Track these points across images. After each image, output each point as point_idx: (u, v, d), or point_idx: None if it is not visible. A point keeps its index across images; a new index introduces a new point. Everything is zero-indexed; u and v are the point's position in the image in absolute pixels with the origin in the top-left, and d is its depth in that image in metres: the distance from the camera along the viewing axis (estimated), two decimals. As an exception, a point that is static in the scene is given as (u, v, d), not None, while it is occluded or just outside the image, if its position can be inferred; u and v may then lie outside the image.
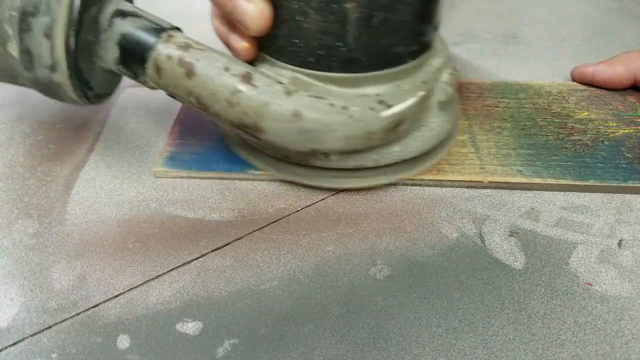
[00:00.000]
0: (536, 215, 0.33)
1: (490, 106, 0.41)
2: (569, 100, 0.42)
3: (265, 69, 0.32)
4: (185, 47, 0.30)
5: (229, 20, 0.31)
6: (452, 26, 0.55)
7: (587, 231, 0.32)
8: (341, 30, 0.29)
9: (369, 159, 0.32)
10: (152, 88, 0.31)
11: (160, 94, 0.33)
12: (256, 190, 0.35)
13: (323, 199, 0.34)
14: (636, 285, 0.29)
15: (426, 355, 0.26)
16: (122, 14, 0.30)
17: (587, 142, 0.37)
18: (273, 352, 0.26)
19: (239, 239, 0.32)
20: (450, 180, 0.34)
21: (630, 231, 0.32)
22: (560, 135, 0.38)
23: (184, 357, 0.26)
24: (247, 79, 0.29)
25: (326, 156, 0.32)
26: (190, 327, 0.27)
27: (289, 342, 0.26)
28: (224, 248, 0.31)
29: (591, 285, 0.29)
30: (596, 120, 0.39)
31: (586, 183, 0.34)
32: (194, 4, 0.58)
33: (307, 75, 0.31)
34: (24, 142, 0.39)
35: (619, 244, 0.31)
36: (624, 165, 0.35)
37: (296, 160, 0.33)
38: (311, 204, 0.34)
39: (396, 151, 0.33)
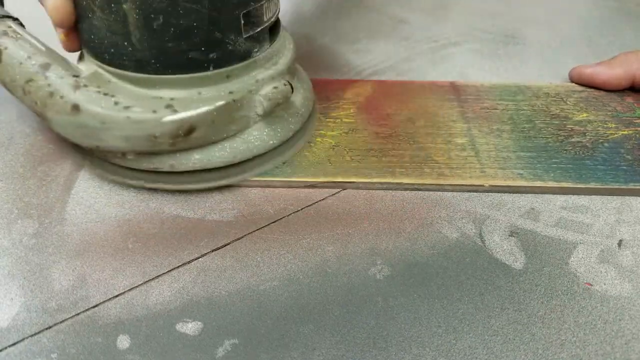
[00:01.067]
0: (536, 215, 0.33)
1: (488, 108, 0.41)
2: (568, 102, 0.42)
3: (83, 61, 0.33)
4: (4, 34, 0.31)
5: None
6: (452, 26, 0.55)
7: (587, 231, 0.32)
8: (124, 30, 0.30)
9: (165, 163, 0.32)
10: None
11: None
12: (256, 191, 0.35)
13: (323, 199, 0.34)
14: (636, 285, 0.29)
15: (426, 355, 0.26)
16: None
17: (587, 144, 0.37)
18: (273, 352, 0.26)
19: (239, 239, 0.32)
20: (451, 185, 0.34)
21: (630, 231, 0.32)
22: (559, 137, 0.38)
23: (184, 357, 0.26)
24: (44, 68, 0.31)
25: (123, 155, 0.32)
26: (190, 327, 0.27)
27: (289, 342, 0.26)
28: (224, 248, 0.31)
29: (591, 285, 0.29)
30: (595, 121, 0.39)
31: (587, 186, 0.34)
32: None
33: (107, 71, 0.32)
34: (24, 142, 0.39)
35: (619, 244, 0.31)
36: (625, 167, 0.35)
37: (103, 159, 0.34)
38: (311, 204, 0.34)
39: (196, 158, 0.32)
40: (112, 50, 0.31)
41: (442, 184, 0.34)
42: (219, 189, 0.35)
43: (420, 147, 0.37)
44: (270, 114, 0.34)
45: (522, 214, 0.33)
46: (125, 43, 0.30)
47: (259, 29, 0.32)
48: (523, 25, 0.56)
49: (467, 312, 0.28)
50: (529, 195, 0.34)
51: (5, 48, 0.31)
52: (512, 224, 0.32)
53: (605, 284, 0.29)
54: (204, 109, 0.31)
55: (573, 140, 0.38)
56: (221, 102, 0.31)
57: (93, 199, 0.34)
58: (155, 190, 0.35)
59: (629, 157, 0.36)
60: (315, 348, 0.26)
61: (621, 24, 0.56)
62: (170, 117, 0.30)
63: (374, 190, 0.35)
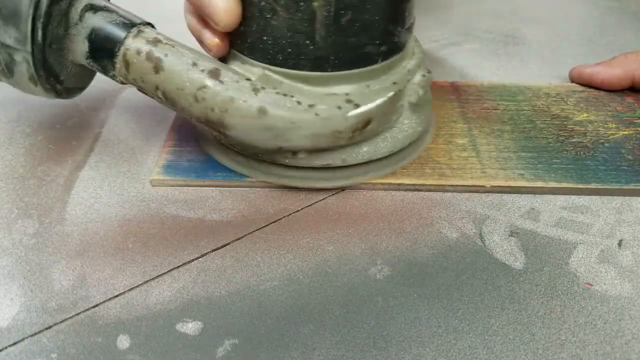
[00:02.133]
0: (536, 215, 0.33)
1: (489, 109, 0.41)
2: (568, 102, 0.42)
3: (236, 65, 0.32)
4: (155, 42, 0.30)
5: (201, 16, 0.32)
6: (452, 26, 0.55)
7: (587, 231, 0.32)
8: (309, 28, 0.29)
9: (337, 158, 0.33)
10: (122, 83, 0.32)
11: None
12: (256, 191, 0.35)
13: (323, 199, 0.34)
14: (636, 285, 0.29)
15: (426, 355, 0.26)
16: (93, 8, 0.30)
17: (588, 144, 0.37)
18: (273, 352, 0.26)
19: (239, 239, 0.32)
20: (452, 185, 0.34)
21: (630, 231, 0.32)
22: (560, 138, 0.38)
23: (184, 357, 0.26)
24: (214, 74, 0.30)
25: (294, 154, 0.32)
26: (190, 327, 0.27)
27: (289, 342, 0.26)
28: (224, 248, 0.31)
29: (591, 285, 0.29)
30: (595, 121, 0.39)
31: (588, 186, 0.34)
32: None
33: (276, 72, 0.31)
34: (24, 142, 0.39)
35: (619, 244, 0.31)
36: (625, 168, 0.35)
37: (265, 159, 0.33)
38: (311, 204, 0.34)
39: (365, 151, 0.33)
40: (289, 50, 0.30)
41: (443, 185, 0.34)
42: (219, 189, 0.35)
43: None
44: (417, 102, 0.34)
45: (522, 214, 0.33)
46: (307, 41, 0.30)
47: (412, 20, 0.33)
48: (523, 25, 0.56)
49: (467, 312, 0.28)
50: (529, 195, 0.34)
51: (166, 55, 0.30)
52: (512, 224, 0.32)
53: (605, 284, 0.29)
54: (379, 101, 0.31)
55: (574, 140, 0.38)
56: (391, 93, 0.32)
57: (93, 199, 0.34)
58: (155, 190, 0.35)
59: (629, 157, 0.36)
60: (315, 348, 0.26)
61: (621, 24, 0.56)
62: (354, 112, 0.30)
63: (373, 191, 0.35)
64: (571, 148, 0.37)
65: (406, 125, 0.34)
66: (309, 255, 0.31)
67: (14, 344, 0.26)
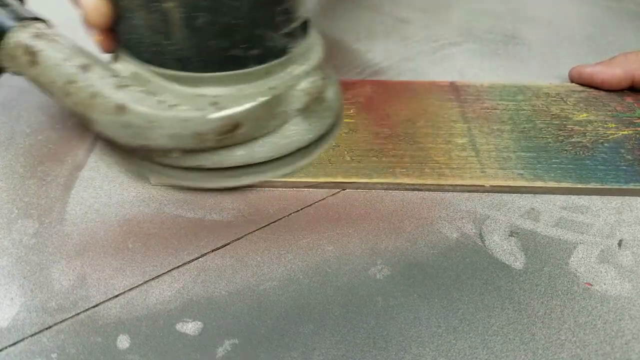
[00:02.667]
0: (536, 215, 0.33)
1: (488, 109, 0.41)
2: (568, 102, 0.42)
3: (120, 62, 0.33)
4: (37, 36, 0.31)
5: None
6: (452, 26, 0.55)
7: (587, 231, 0.32)
8: (167, 29, 0.29)
9: (209, 160, 0.32)
10: (17, 75, 0.32)
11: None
12: (256, 191, 0.35)
13: (323, 199, 0.34)
14: (636, 285, 0.29)
15: (426, 355, 0.26)
16: None
17: (587, 144, 0.37)
18: (273, 352, 0.26)
19: (239, 239, 0.32)
20: (451, 185, 0.34)
21: (630, 231, 0.32)
22: (559, 138, 0.38)
23: (184, 357, 0.26)
24: (84, 69, 0.30)
25: (166, 153, 0.32)
26: (190, 327, 0.27)
27: (289, 342, 0.26)
28: (224, 248, 0.31)
29: (591, 285, 0.29)
30: (595, 121, 0.39)
31: (587, 186, 0.34)
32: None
33: (149, 70, 0.31)
34: (24, 142, 0.39)
35: (619, 244, 0.31)
36: (625, 167, 0.35)
37: (141, 157, 0.34)
38: (311, 204, 0.34)
39: (240, 155, 0.33)
40: (154, 49, 0.31)
41: (442, 184, 0.34)
42: (219, 189, 0.35)
43: (420, 147, 0.37)
44: (307, 109, 0.34)
45: (522, 214, 0.33)
46: (167, 42, 0.30)
47: (293, 25, 0.32)
48: (523, 25, 0.56)
49: (467, 312, 0.28)
50: (529, 195, 0.34)
51: (41, 50, 0.31)
52: (512, 224, 0.32)
53: (605, 284, 0.29)
54: (247, 105, 0.31)
55: (573, 140, 0.38)
56: (264, 98, 0.31)
57: (93, 199, 0.34)
58: (155, 190, 0.35)
59: (629, 157, 0.36)
60: (315, 348, 0.26)
61: (621, 24, 0.56)
62: (216, 115, 0.30)
63: (374, 190, 0.35)
64: (570, 148, 0.37)
65: (292, 131, 0.34)
66: (309, 255, 0.31)
67: (14, 344, 0.26)
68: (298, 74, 0.33)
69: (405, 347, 0.26)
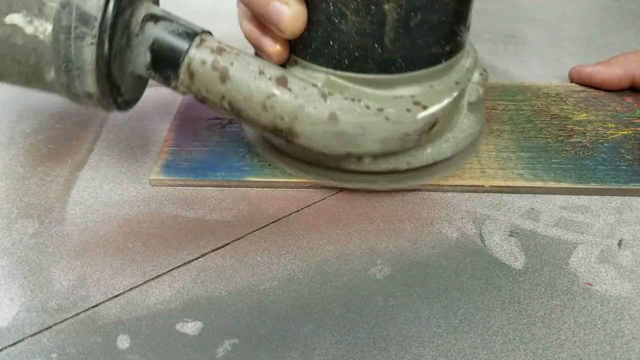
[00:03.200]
0: (536, 215, 0.33)
1: (488, 109, 0.41)
2: (567, 102, 0.42)
3: (297, 71, 0.31)
4: (219, 51, 0.29)
5: (261, 23, 0.31)
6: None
7: (587, 231, 0.32)
8: (378, 31, 0.29)
9: (402, 162, 0.32)
10: (183, 93, 0.31)
11: (160, 94, 0.33)
12: (256, 191, 0.35)
13: (323, 199, 0.34)
14: (636, 285, 0.29)
15: (426, 355, 0.26)
16: (153, 18, 0.29)
17: (587, 144, 0.37)
18: (273, 352, 0.26)
19: (239, 239, 0.32)
20: (451, 185, 0.34)
21: (630, 231, 0.32)
22: (559, 138, 0.38)
23: (184, 357, 0.26)
24: (282, 82, 0.29)
25: (359, 160, 0.32)
26: (190, 327, 0.27)
27: (289, 342, 0.26)
28: (224, 248, 0.31)
29: (591, 285, 0.29)
30: (595, 121, 0.39)
31: (587, 186, 0.34)
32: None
33: (342, 77, 0.30)
34: (24, 142, 0.39)
35: (619, 244, 0.31)
36: (625, 167, 0.35)
37: (328, 164, 0.33)
38: (311, 204, 0.34)
39: (429, 153, 0.33)
40: (357, 54, 0.29)
41: (442, 184, 0.34)
42: (219, 189, 0.35)
43: (420, 147, 0.37)
44: (475, 101, 0.34)
45: (522, 214, 0.33)
46: (376, 45, 0.29)
47: (470, 18, 0.33)
48: (523, 25, 0.56)
49: (467, 312, 0.28)
50: (529, 195, 0.34)
51: (232, 64, 0.29)
52: (512, 224, 0.32)
53: (605, 284, 0.29)
54: (445, 101, 0.31)
55: (573, 140, 0.38)
56: (455, 93, 0.31)
57: (93, 199, 0.34)
58: (155, 190, 0.35)
59: (629, 157, 0.36)
60: (315, 348, 0.26)
61: (621, 24, 0.56)
62: (423, 114, 0.30)
63: (373, 191, 0.35)
64: (570, 148, 0.37)
65: (466, 124, 0.34)
66: (309, 255, 0.31)
67: (14, 344, 0.26)
68: (469, 67, 0.33)
69: (405, 347, 0.26)
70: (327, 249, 0.31)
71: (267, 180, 0.35)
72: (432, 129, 0.31)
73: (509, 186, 0.34)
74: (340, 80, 0.30)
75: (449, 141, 0.33)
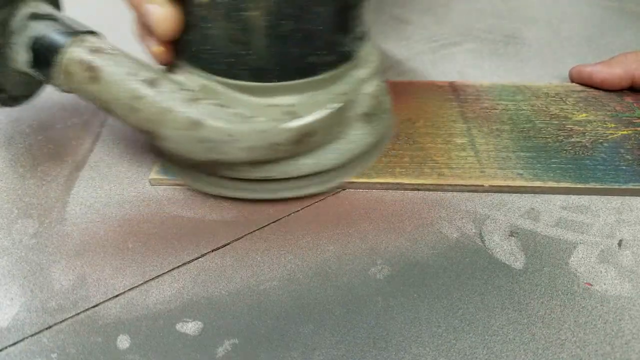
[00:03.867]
0: (536, 215, 0.33)
1: (488, 108, 0.41)
2: (567, 102, 0.42)
3: (181, 74, 0.31)
4: (96, 51, 0.29)
5: (143, 24, 0.31)
6: (452, 26, 0.56)
7: (587, 231, 0.32)
8: (248, 38, 0.29)
9: (278, 171, 0.32)
10: (67, 92, 0.31)
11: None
12: (256, 191, 0.35)
13: (323, 199, 0.34)
14: (636, 285, 0.29)
15: (426, 355, 0.26)
16: (36, 17, 0.30)
17: (586, 144, 0.37)
18: (273, 352, 0.26)
19: (239, 239, 0.32)
20: (450, 185, 0.34)
21: (630, 231, 0.32)
22: (559, 137, 0.38)
23: (184, 357, 0.26)
24: (152, 84, 0.29)
25: (232, 167, 0.31)
26: (190, 327, 0.27)
27: (289, 342, 0.26)
28: (224, 248, 0.31)
29: (591, 285, 0.29)
30: (594, 121, 0.39)
31: (587, 186, 0.34)
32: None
33: (219, 82, 0.30)
34: (24, 142, 0.39)
35: (619, 244, 0.31)
36: (624, 167, 0.35)
37: (205, 171, 0.33)
38: (311, 204, 0.34)
39: (307, 163, 0.32)
40: (229, 60, 0.30)
41: (441, 184, 0.35)
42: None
43: (419, 147, 0.37)
44: (369, 112, 0.34)
45: (522, 214, 0.33)
46: (247, 52, 0.29)
47: (362, 28, 0.32)
48: (523, 25, 0.56)
49: (467, 312, 0.28)
50: (529, 195, 0.34)
51: (102, 65, 0.29)
52: (512, 224, 0.32)
53: (605, 284, 0.29)
54: (323, 112, 0.30)
55: (572, 140, 0.38)
56: (337, 105, 0.31)
57: (93, 199, 0.34)
58: (155, 190, 0.35)
59: (628, 157, 0.36)
60: (315, 348, 0.26)
61: (621, 24, 0.56)
62: (292, 124, 0.30)
63: (374, 190, 0.35)
64: (570, 148, 0.37)
65: (354, 136, 0.33)
66: (309, 255, 0.31)
67: (14, 344, 0.26)
68: (363, 78, 0.33)
69: (405, 347, 0.26)
70: (327, 249, 0.31)
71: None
72: (308, 139, 0.31)
73: (509, 186, 0.34)
74: (217, 86, 0.30)
75: (332, 152, 0.33)
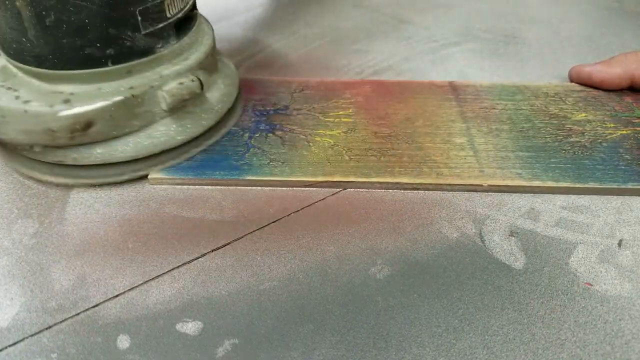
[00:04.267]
0: (536, 215, 0.33)
1: (487, 108, 0.41)
2: (566, 102, 0.42)
3: None
4: None
5: None
6: (452, 26, 0.56)
7: (587, 231, 0.32)
8: (21, 26, 0.30)
9: (68, 157, 0.33)
10: None
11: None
12: (256, 191, 0.35)
13: (323, 199, 0.34)
14: (636, 285, 0.29)
15: (426, 355, 0.26)
16: None
17: (586, 143, 0.37)
18: (273, 352, 0.26)
19: (239, 239, 0.32)
20: (449, 184, 0.34)
21: (630, 231, 0.32)
22: (558, 137, 0.38)
23: (184, 357, 0.26)
24: None
25: (30, 148, 0.32)
26: (190, 327, 0.27)
27: (289, 342, 0.26)
28: (224, 248, 0.31)
29: (591, 285, 0.29)
30: (594, 121, 0.40)
31: (586, 185, 0.34)
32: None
33: (15, 66, 0.32)
34: (24, 142, 0.39)
35: (619, 244, 0.31)
36: (623, 167, 0.35)
37: (9, 149, 0.34)
38: (311, 204, 0.34)
39: (98, 152, 0.33)
40: (14, 45, 0.31)
41: (440, 184, 0.35)
42: (219, 188, 0.35)
43: (419, 147, 0.37)
44: (177, 110, 0.34)
45: (522, 214, 0.33)
46: (24, 39, 0.30)
47: (160, 25, 0.32)
48: (523, 25, 0.56)
49: (467, 312, 0.28)
50: (529, 195, 0.34)
51: None
52: (512, 224, 0.32)
53: (605, 284, 0.29)
54: (100, 104, 0.31)
55: (572, 140, 0.38)
56: (119, 98, 0.32)
57: (93, 199, 0.34)
58: (155, 190, 0.35)
59: (627, 156, 0.36)
60: (315, 348, 0.26)
61: (621, 24, 0.56)
62: (66, 112, 0.31)
63: (373, 190, 0.35)
64: (569, 147, 0.37)
65: (159, 131, 0.34)
66: (309, 255, 0.31)
67: (14, 344, 0.26)
68: (168, 74, 0.33)
69: (405, 347, 0.26)
70: (327, 249, 0.31)
71: (266, 179, 0.35)
72: (88, 129, 0.31)
73: (508, 185, 0.34)
74: (13, 68, 0.32)
75: (128, 145, 0.33)
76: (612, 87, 0.42)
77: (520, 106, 0.41)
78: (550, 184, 0.34)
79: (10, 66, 0.32)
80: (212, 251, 0.31)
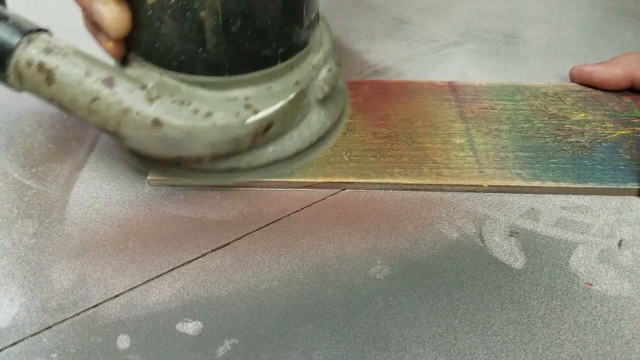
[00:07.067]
0: (536, 215, 0.33)
1: (487, 108, 0.41)
2: (566, 102, 0.42)
3: (136, 67, 0.31)
4: (46, 51, 0.29)
5: (92, 22, 0.31)
6: (452, 26, 0.55)
7: (587, 231, 0.32)
8: (199, 37, 0.29)
9: (242, 161, 0.32)
10: (21, 91, 0.30)
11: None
12: (256, 191, 0.35)
13: (323, 199, 0.34)
14: (636, 285, 0.29)
15: (426, 355, 0.26)
16: None
17: (585, 143, 0.37)
18: (273, 352, 0.26)
19: (239, 239, 0.32)
20: (449, 185, 0.34)
21: (630, 231, 0.32)
22: (558, 137, 0.38)
23: (184, 357, 0.26)
24: (108, 83, 0.29)
25: (198, 160, 0.32)
26: (190, 327, 0.27)
27: (289, 342, 0.27)
28: (224, 248, 0.31)
29: (591, 285, 0.29)
30: (593, 121, 0.40)
31: (585, 185, 0.34)
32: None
33: (174, 78, 0.30)
34: (24, 142, 0.39)
35: (619, 244, 0.31)
36: (623, 167, 0.35)
37: (173, 163, 0.33)
38: (311, 204, 0.34)
39: (270, 152, 0.33)
40: (183, 57, 0.30)
41: (440, 184, 0.35)
42: (219, 188, 0.35)
43: (418, 147, 0.37)
44: (325, 97, 0.34)
45: (522, 214, 0.33)
46: (199, 49, 0.29)
47: (313, 15, 0.32)
48: (523, 25, 0.56)
49: (467, 312, 0.28)
50: (529, 195, 0.34)
51: (57, 66, 0.28)
52: (512, 224, 0.32)
53: (605, 284, 0.29)
54: (280, 104, 0.31)
55: (571, 140, 0.38)
56: (293, 94, 0.31)
57: (93, 199, 0.34)
58: (155, 190, 0.35)
59: (627, 156, 0.36)
60: (315, 348, 0.26)
61: (621, 24, 0.56)
62: (253, 118, 0.30)
63: (373, 191, 0.35)
64: (569, 148, 0.37)
65: (314, 121, 0.34)
66: (309, 255, 0.31)
67: (14, 344, 0.26)
68: (317, 63, 0.33)
69: (405, 347, 0.26)
70: (327, 249, 0.31)
71: (267, 179, 0.35)
72: (268, 131, 0.31)
73: (507, 186, 0.34)
74: (173, 81, 0.30)
75: (293, 139, 0.33)
76: (612, 87, 0.42)
77: (520, 106, 0.41)
78: (550, 184, 0.34)
79: (169, 79, 0.30)
80: (212, 251, 0.31)
